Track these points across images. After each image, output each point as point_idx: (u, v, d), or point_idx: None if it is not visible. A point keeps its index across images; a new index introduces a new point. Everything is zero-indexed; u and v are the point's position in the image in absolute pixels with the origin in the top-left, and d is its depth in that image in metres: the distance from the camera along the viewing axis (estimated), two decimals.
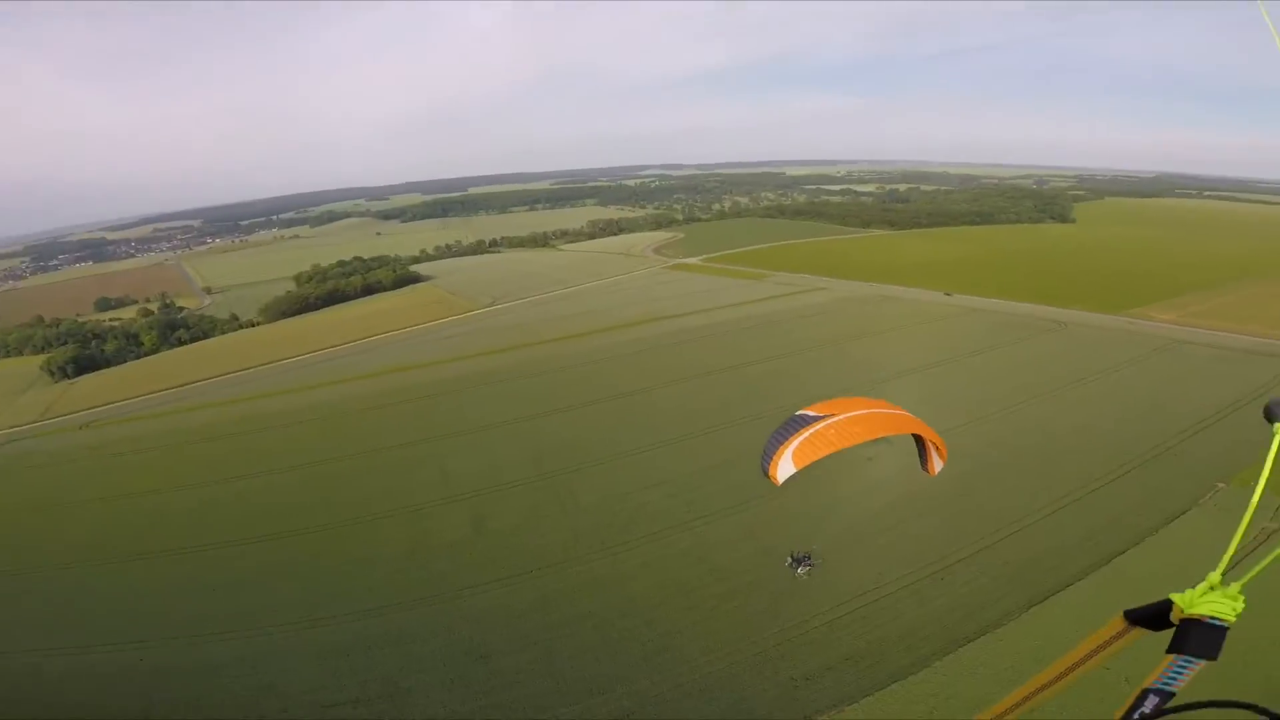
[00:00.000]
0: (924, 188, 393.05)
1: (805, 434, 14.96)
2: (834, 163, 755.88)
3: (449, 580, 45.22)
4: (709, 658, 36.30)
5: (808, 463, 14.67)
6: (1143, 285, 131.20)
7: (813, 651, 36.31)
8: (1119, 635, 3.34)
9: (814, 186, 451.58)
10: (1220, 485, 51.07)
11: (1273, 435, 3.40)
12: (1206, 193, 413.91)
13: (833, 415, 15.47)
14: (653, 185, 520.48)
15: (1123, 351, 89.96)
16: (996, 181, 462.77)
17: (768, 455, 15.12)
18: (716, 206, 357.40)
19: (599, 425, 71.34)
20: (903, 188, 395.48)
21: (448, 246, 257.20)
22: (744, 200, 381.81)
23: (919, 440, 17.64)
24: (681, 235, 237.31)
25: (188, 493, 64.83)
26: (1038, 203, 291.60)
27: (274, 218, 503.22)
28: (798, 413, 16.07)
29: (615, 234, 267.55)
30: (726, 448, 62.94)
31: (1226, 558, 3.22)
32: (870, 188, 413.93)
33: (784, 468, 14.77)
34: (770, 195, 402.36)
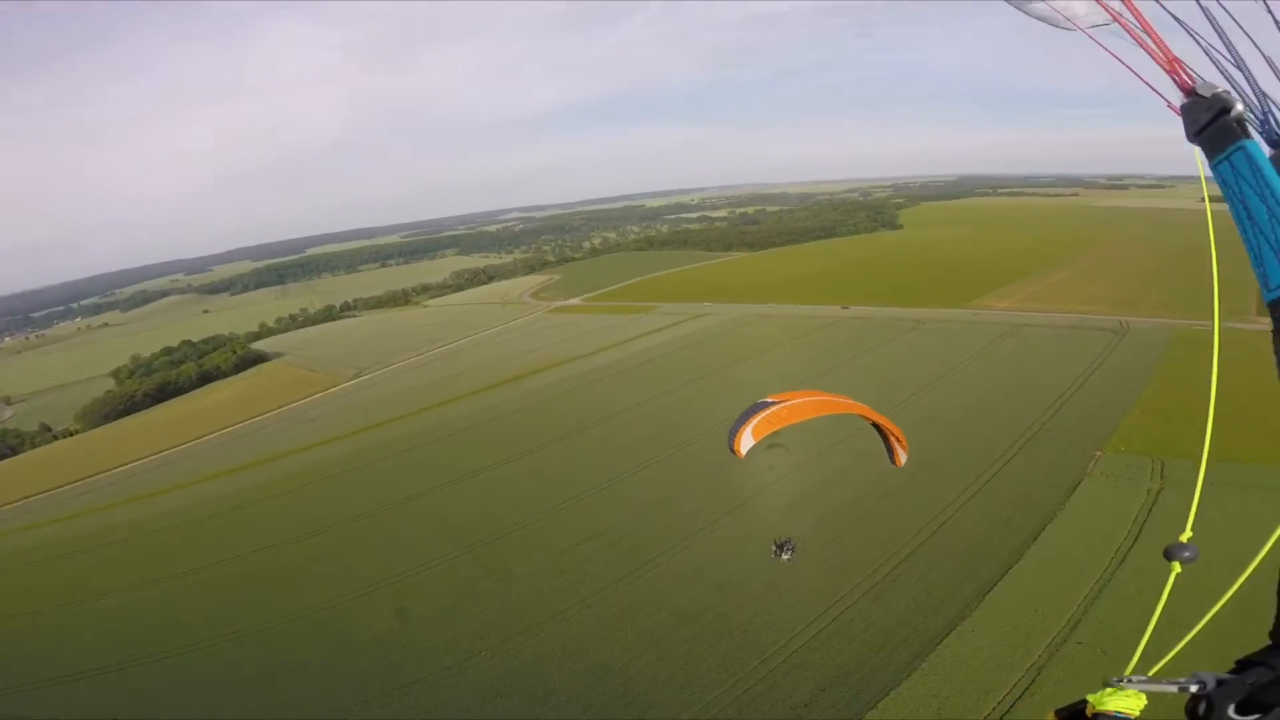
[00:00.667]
0: (770, 209, 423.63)
1: (763, 414, 16.73)
2: (687, 191, 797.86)
3: (383, 680, 39.51)
4: (701, 707, 33.86)
5: (763, 435, 16.31)
6: (975, 279, 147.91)
7: (801, 676, 34.99)
8: None
9: (674, 216, 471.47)
10: (1098, 454, 56.43)
11: (1169, 571, 4.05)
12: (1000, 191, 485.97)
13: (787, 400, 17.49)
14: (517, 229, 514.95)
15: (977, 340, 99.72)
16: (829, 197, 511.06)
17: (731, 435, 16.53)
18: (587, 244, 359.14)
19: (516, 485, 66.16)
20: (751, 210, 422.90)
21: (292, 317, 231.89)
22: (612, 235, 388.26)
23: (882, 434, 19.39)
24: (558, 277, 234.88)
25: (24, 620, 54.67)
26: (869, 213, 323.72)
27: (74, 305, 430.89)
28: (758, 400, 17.60)
29: (485, 283, 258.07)
30: (655, 485, 61.20)
31: (1134, 661, 3.78)
32: (723, 213, 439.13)
33: (745, 441, 16.35)
34: (635, 229, 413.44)
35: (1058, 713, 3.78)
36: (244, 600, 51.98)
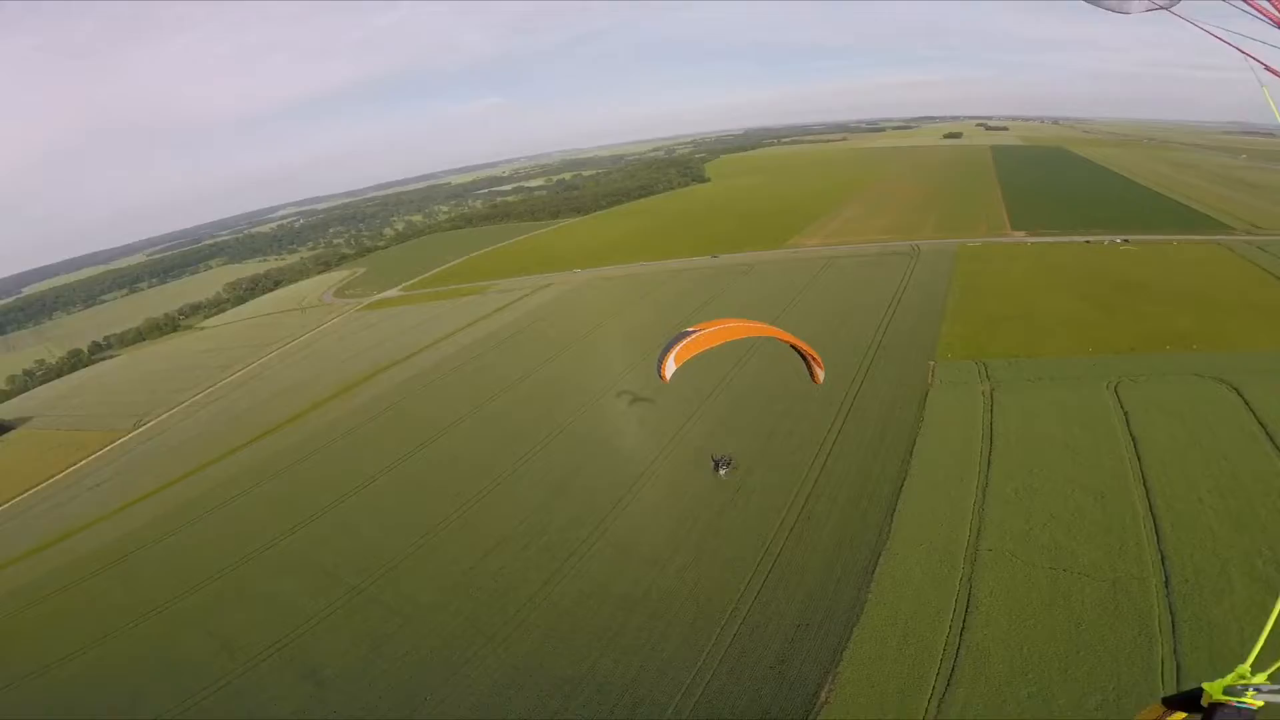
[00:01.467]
0: (585, 173, 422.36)
1: (685, 341, 19.06)
2: (496, 164, 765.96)
3: None
4: (685, 688, 32.18)
5: (685, 360, 18.99)
6: (784, 221, 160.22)
7: (766, 634, 34.61)
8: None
9: (486, 190, 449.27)
10: (932, 364, 63.58)
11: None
12: (783, 140, 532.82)
13: (705, 329, 19.90)
14: (297, 225, 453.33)
15: (802, 274, 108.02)
16: (639, 157, 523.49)
17: (659, 361, 19.04)
18: (389, 231, 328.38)
19: (387, 508, 57.88)
20: (569, 176, 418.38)
21: (29, 373, 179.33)
22: (418, 218, 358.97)
23: (803, 357, 22.64)
24: (362, 270, 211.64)
25: None
26: (679, 169, 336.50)
27: None
28: (682, 330, 20.15)
29: (271, 289, 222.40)
30: (548, 473, 57.41)
31: (1254, 652, 3.77)
32: (539, 182, 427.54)
33: (669, 368, 18.94)
34: (444, 208, 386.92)
35: (1165, 700, 3.68)
36: (114, 700, 40.06)
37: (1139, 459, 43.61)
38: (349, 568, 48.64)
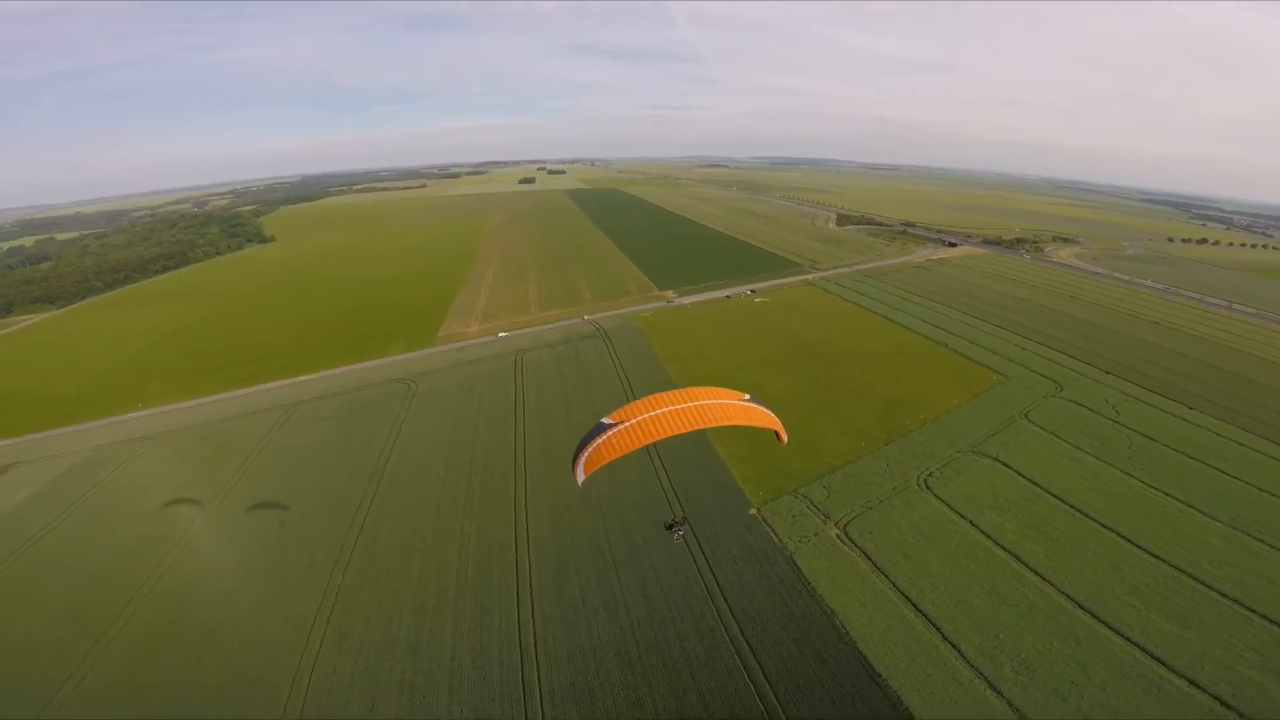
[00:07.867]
0: (61, 237, 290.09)
1: (598, 442, 18.32)
2: None
3: None
4: None
5: (595, 469, 18.30)
6: (419, 297, 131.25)
7: None
8: None
9: None
10: (752, 511, 48.82)
11: None
12: (355, 188, 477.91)
13: (627, 420, 18.60)
14: None
15: (496, 385, 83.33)
16: (150, 212, 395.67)
17: (572, 464, 18.85)
18: None
19: None
20: (29, 242, 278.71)
21: None
22: None
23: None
24: None
25: None
26: (224, 227, 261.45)
27: None
28: (601, 420, 19.09)
29: None
30: None
31: None
32: None
33: (579, 475, 18.71)
34: None
35: None
36: None
37: (1022, 562, 43.64)
38: None
